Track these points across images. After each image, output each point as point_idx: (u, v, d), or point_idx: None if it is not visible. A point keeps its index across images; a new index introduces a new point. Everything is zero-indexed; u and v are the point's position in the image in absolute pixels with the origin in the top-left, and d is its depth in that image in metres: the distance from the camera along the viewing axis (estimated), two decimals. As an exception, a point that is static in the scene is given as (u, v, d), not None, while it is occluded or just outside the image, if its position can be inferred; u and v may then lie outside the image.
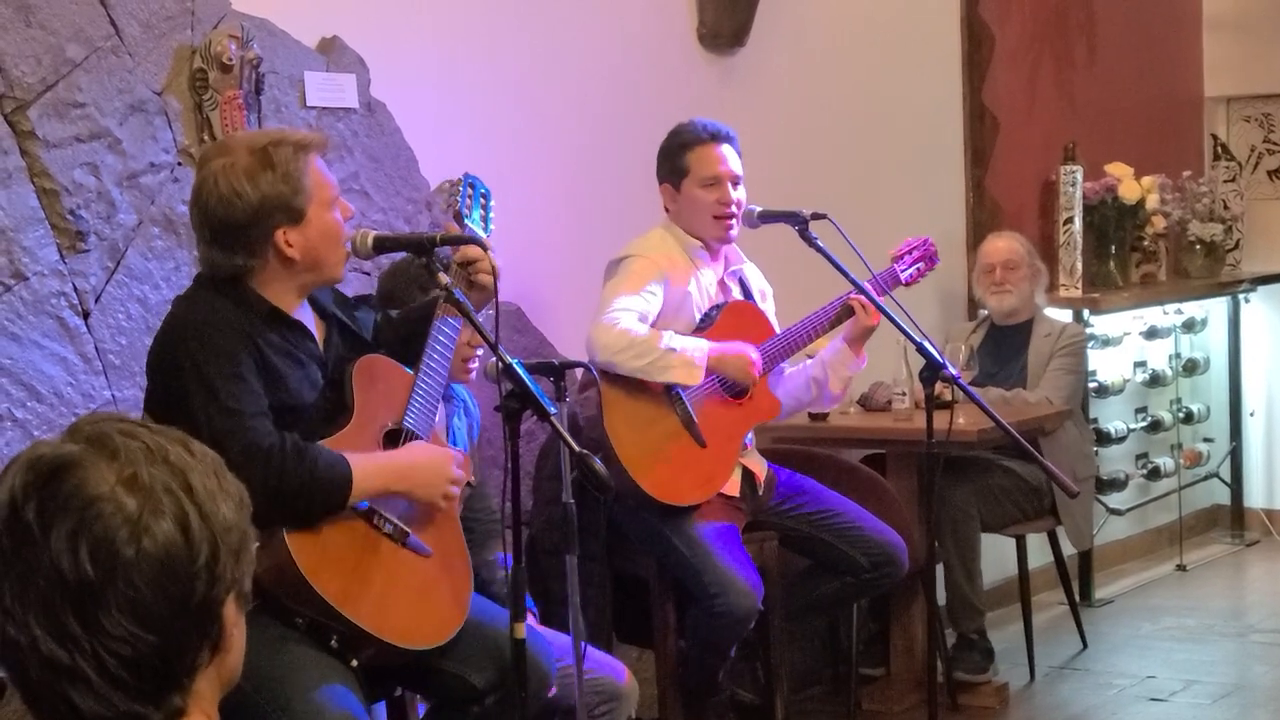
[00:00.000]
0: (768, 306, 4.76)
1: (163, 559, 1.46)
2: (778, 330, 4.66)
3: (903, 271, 4.75)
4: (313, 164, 3.27)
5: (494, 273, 3.41)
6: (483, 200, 3.63)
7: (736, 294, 4.71)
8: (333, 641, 3.16)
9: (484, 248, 3.43)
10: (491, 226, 3.63)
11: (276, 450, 3.09)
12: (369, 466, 3.21)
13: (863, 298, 4.50)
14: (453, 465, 3.34)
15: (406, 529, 3.29)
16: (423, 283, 3.96)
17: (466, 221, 3.55)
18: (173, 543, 1.47)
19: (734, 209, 4.56)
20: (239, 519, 1.53)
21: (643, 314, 4.39)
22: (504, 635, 3.27)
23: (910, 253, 4.78)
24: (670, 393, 4.44)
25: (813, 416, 5.43)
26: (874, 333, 4.63)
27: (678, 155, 4.59)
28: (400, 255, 3.94)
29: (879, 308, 4.45)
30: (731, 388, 4.54)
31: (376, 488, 3.22)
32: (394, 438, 3.33)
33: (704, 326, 4.56)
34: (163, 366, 3.22)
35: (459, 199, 3.58)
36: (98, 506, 1.45)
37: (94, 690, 1.45)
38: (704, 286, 4.60)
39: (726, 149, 4.61)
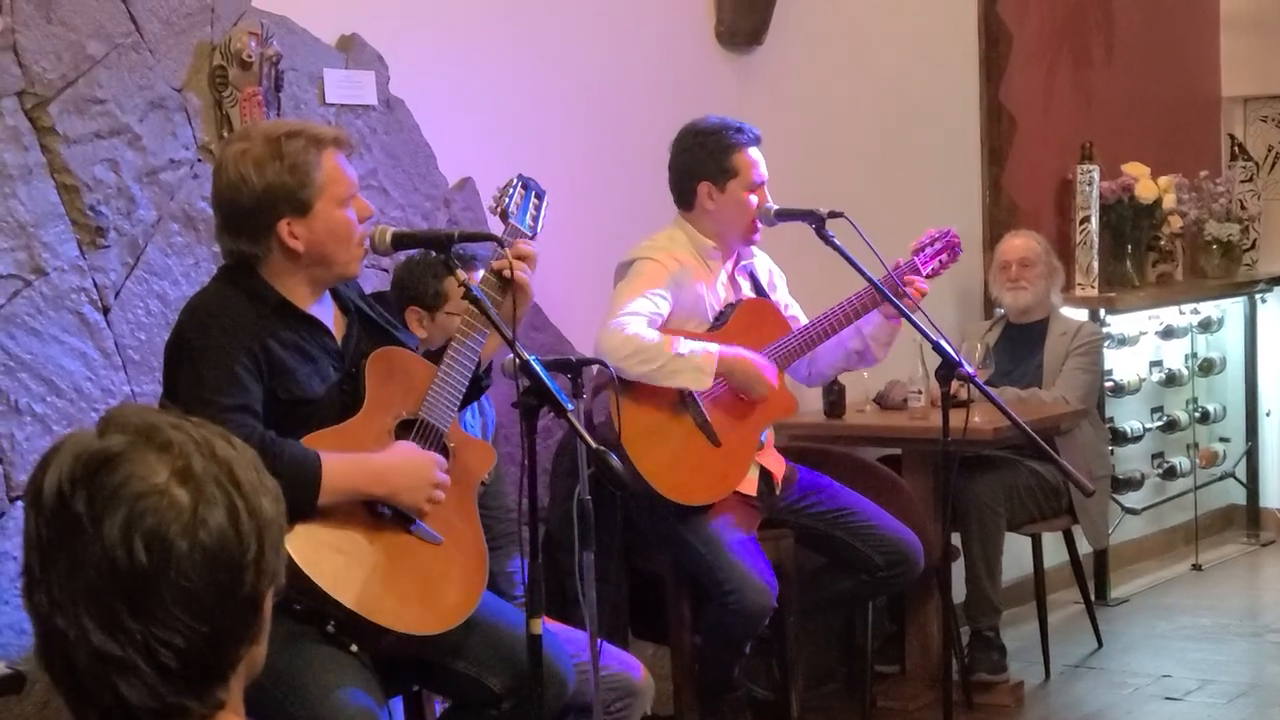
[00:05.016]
0: (780, 294, 4.75)
1: (216, 551, 1.47)
2: (801, 319, 4.64)
3: (924, 264, 4.71)
4: (329, 159, 3.26)
5: (528, 260, 3.42)
6: (535, 200, 3.63)
7: (746, 289, 4.69)
8: (329, 627, 3.16)
9: (499, 243, 3.43)
10: (542, 225, 3.63)
11: None
12: (341, 467, 3.16)
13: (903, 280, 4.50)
14: (436, 470, 3.28)
15: (412, 515, 3.27)
16: (436, 271, 3.97)
17: (511, 220, 3.55)
18: (225, 535, 1.47)
19: None
20: (277, 513, 1.53)
21: (652, 317, 4.37)
22: (521, 640, 3.21)
23: (932, 244, 4.74)
24: (683, 393, 4.44)
25: (829, 415, 5.43)
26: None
27: (725, 155, 4.56)
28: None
29: (897, 307, 4.37)
30: (745, 388, 4.54)
31: (348, 488, 3.17)
32: (408, 428, 3.31)
33: (717, 326, 4.54)
34: (168, 355, 3.26)
35: (506, 198, 3.58)
36: (151, 498, 1.45)
37: (144, 681, 1.45)
38: (715, 285, 4.60)
39: (760, 152, 4.62)
